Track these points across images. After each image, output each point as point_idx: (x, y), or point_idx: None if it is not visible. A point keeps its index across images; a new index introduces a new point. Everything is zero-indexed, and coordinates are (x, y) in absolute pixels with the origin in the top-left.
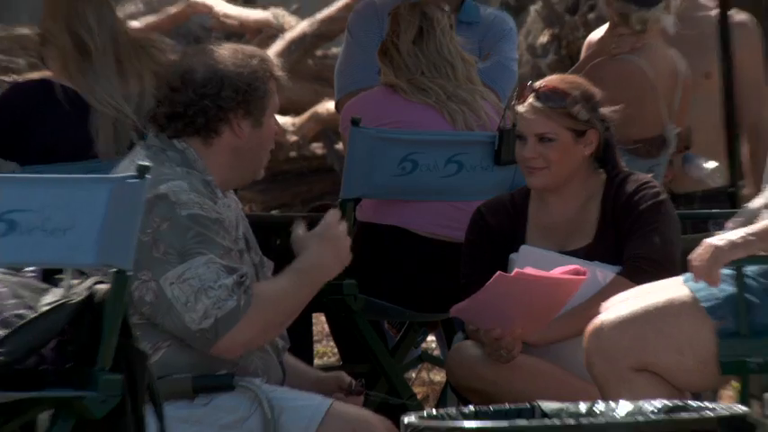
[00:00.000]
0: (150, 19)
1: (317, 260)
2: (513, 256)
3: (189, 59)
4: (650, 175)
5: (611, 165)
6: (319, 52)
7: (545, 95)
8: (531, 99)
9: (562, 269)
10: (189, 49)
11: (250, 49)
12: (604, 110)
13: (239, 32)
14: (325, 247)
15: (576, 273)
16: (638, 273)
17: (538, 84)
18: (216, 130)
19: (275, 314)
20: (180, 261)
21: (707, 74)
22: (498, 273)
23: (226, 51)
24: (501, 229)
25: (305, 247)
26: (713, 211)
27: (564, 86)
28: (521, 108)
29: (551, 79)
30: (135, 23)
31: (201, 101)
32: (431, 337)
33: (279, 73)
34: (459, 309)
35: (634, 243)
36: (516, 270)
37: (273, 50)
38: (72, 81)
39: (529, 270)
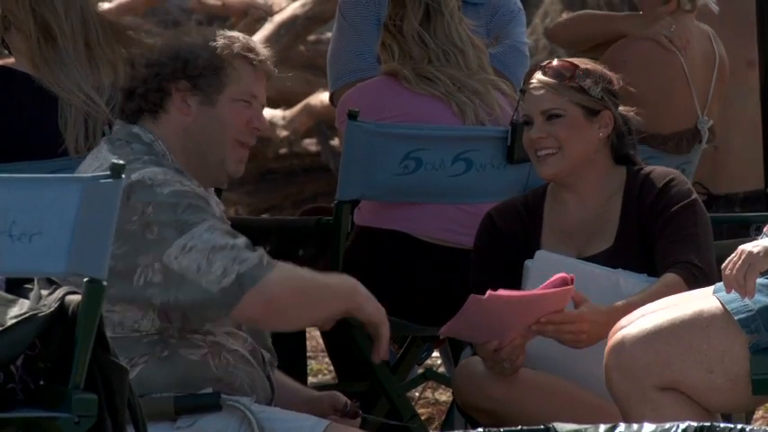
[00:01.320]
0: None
1: (348, 282)
2: (528, 263)
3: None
4: (676, 170)
5: (631, 159)
6: (312, 37)
7: (552, 69)
8: (537, 75)
9: (547, 283)
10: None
11: (231, 32)
12: (625, 109)
13: (222, 14)
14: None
15: (564, 282)
16: (690, 277)
17: (545, 62)
18: (159, 104)
19: (293, 290)
20: (178, 235)
21: (749, 62)
22: (471, 296)
23: (197, 35)
24: (513, 235)
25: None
26: (750, 214)
27: (574, 61)
28: (528, 91)
29: (559, 60)
30: (107, 5)
31: (143, 68)
32: (435, 354)
33: (251, 54)
34: (447, 329)
35: (673, 249)
36: (488, 292)
37: (261, 35)
38: (37, 70)
39: (502, 292)
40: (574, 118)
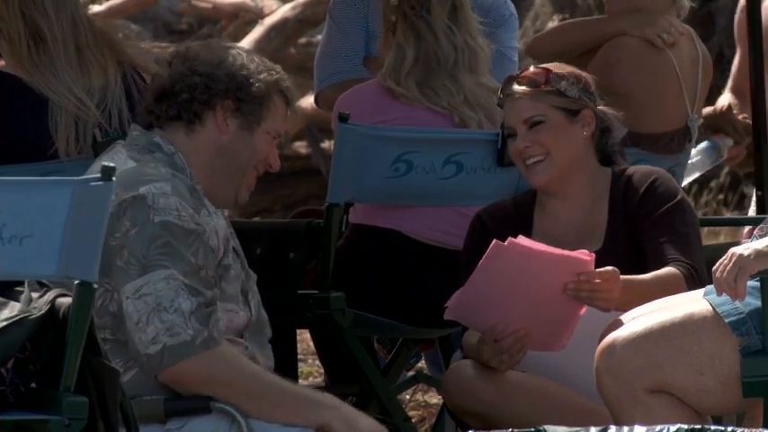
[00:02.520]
0: (115, 2)
1: (329, 402)
2: None
3: (198, 47)
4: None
5: (614, 158)
6: (302, 40)
7: (526, 78)
8: (511, 86)
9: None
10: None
11: (271, 63)
12: (605, 108)
13: (213, 17)
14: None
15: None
16: (689, 278)
17: (517, 72)
18: (199, 115)
19: (217, 381)
20: (140, 273)
21: None
22: (494, 242)
23: (245, 52)
24: (503, 237)
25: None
26: (739, 217)
27: (545, 66)
28: (506, 103)
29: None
30: (98, 7)
31: (192, 77)
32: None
33: (290, 94)
34: (453, 305)
35: (666, 248)
36: (509, 239)
37: (251, 38)
38: (26, 72)
39: (522, 240)
40: (556, 122)
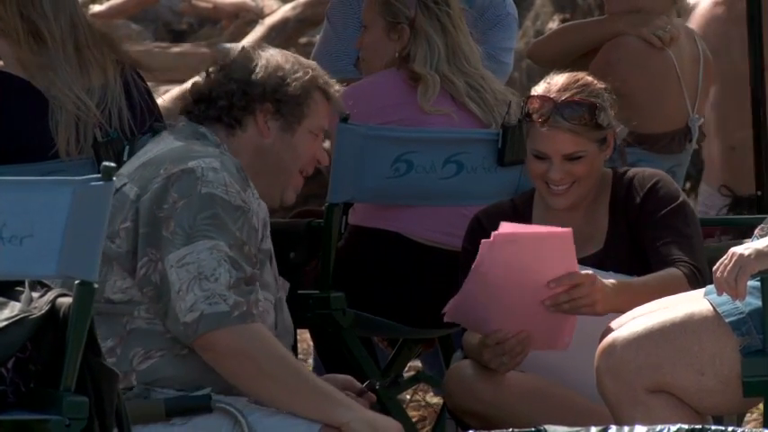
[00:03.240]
0: (115, 1)
1: (355, 405)
2: None
3: (234, 53)
4: (660, 171)
5: (615, 160)
6: (303, 40)
7: (569, 111)
8: (554, 117)
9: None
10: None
11: (307, 60)
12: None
13: (214, 17)
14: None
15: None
16: (692, 279)
17: (553, 94)
18: (239, 120)
19: (247, 355)
20: (185, 242)
21: None
22: (482, 242)
23: (278, 54)
24: None
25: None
26: (739, 217)
27: (585, 95)
28: (543, 128)
29: (564, 84)
30: (98, 7)
31: (229, 84)
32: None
33: (330, 89)
34: (452, 310)
35: (667, 249)
36: (493, 233)
37: (252, 38)
38: (26, 72)
39: (507, 228)
40: (591, 154)
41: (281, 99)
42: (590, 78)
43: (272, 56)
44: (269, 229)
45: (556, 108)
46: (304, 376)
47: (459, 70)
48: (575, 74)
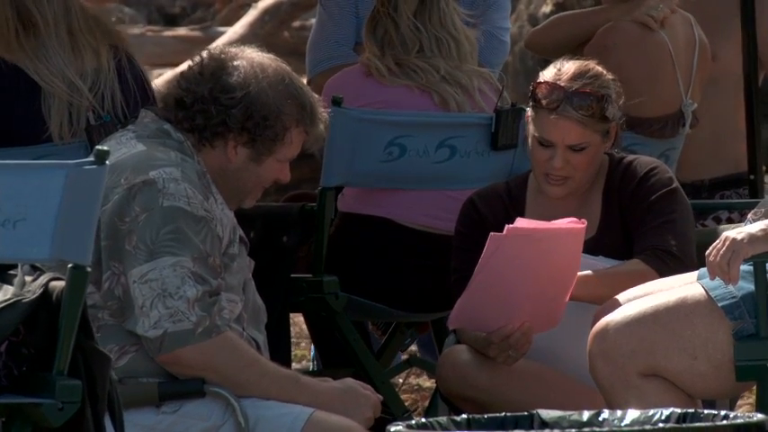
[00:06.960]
0: None
1: (322, 388)
2: None
3: (236, 57)
4: (659, 160)
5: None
6: (296, 23)
7: (579, 101)
8: (563, 105)
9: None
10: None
11: (300, 82)
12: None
13: (207, 1)
14: (343, 393)
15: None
16: (660, 264)
17: (563, 82)
18: (210, 140)
19: (225, 369)
20: (147, 258)
21: (712, 56)
22: (491, 234)
23: (273, 70)
24: (495, 221)
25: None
26: (732, 201)
27: (595, 87)
28: (551, 116)
29: (574, 73)
30: None
31: (210, 104)
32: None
33: (313, 128)
34: (457, 315)
35: (649, 236)
36: (507, 227)
37: (245, 22)
38: (17, 57)
39: (522, 223)
40: (595, 145)
41: (257, 136)
42: (600, 69)
43: (269, 84)
44: (239, 233)
45: (566, 97)
46: (273, 376)
47: (403, 59)
48: (585, 63)
